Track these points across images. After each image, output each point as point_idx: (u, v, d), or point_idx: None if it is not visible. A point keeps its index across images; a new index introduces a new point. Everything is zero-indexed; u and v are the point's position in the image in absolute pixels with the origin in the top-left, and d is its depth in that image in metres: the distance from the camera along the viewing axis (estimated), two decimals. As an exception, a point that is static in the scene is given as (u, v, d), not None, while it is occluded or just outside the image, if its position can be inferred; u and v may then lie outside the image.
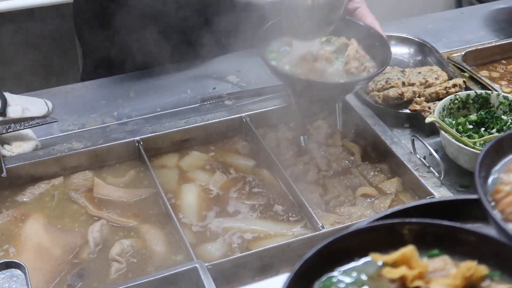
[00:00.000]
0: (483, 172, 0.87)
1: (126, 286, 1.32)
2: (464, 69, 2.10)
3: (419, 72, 2.00)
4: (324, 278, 0.77)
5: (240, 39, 1.97)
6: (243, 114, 1.88)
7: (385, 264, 0.77)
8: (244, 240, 1.57)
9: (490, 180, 0.88)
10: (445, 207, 0.94)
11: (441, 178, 1.67)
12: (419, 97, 1.90)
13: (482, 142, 1.67)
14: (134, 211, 1.65)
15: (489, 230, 0.83)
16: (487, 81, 2.03)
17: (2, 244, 1.55)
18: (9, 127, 1.72)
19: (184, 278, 1.35)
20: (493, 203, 0.84)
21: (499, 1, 2.64)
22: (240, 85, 2.05)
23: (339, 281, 0.77)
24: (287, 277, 0.74)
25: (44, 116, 1.83)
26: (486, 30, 2.41)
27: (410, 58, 2.18)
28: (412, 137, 1.76)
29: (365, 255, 0.79)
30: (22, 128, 1.74)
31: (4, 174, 1.65)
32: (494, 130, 1.73)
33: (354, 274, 0.77)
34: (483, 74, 2.09)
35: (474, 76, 2.06)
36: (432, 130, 1.83)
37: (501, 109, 1.79)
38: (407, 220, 0.80)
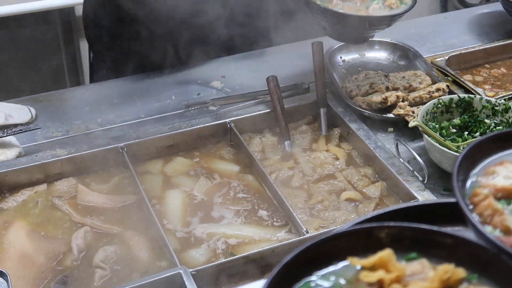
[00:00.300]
0: (462, 176, 0.88)
1: (109, 292, 1.32)
2: (448, 74, 2.11)
3: (403, 77, 2.01)
4: (302, 282, 0.77)
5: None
6: (227, 120, 1.88)
7: (363, 268, 0.77)
8: (228, 245, 1.57)
9: (468, 183, 0.88)
10: (425, 211, 0.95)
11: (425, 182, 1.68)
12: (402, 101, 1.90)
13: (465, 146, 1.68)
14: (118, 217, 1.64)
15: (468, 233, 0.84)
16: (471, 85, 2.04)
17: (-15, 251, 1.54)
18: (-8, 134, 1.72)
19: (168, 284, 1.35)
20: (471, 206, 0.85)
21: (483, 6, 2.66)
22: (225, 91, 2.05)
23: (317, 285, 0.77)
24: (265, 281, 0.74)
25: (27, 123, 1.83)
26: (470, 35, 2.43)
27: (394, 63, 2.19)
28: (396, 142, 1.77)
29: (344, 259, 0.79)
30: (5, 135, 1.73)
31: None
32: (478, 133, 1.74)
33: (332, 278, 0.77)
34: (466, 78, 2.10)
35: (458, 81, 2.07)
36: (416, 134, 1.84)
37: (484, 112, 1.79)
38: (385, 224, 0.80)
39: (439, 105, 1.80)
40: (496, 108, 1.78)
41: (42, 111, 1.94)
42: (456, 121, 1.78)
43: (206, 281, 1.42)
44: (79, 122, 1.91)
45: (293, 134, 1.90)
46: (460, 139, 1.73)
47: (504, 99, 1.90)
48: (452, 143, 1.68)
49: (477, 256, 0.78)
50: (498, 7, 2.52)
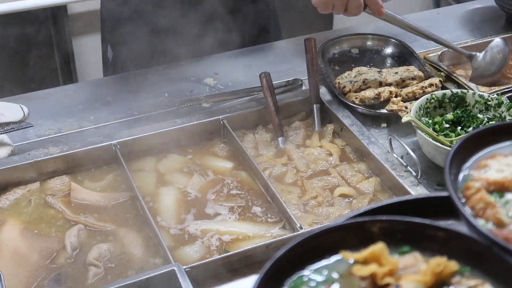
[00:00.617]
0: (454, 169, 0.88)
1: (103, 290, 1.32)
2: (441, 69, 2.12)
3: (396, 72, 2.01)
4: (295, 277, 0.77)
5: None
6: (220, 117, 1.87)
7: (356, 262, 0.77)
8: (222, 242, 1.57)
9: (460, 177, 0.88)
10: (418, 205, 0.95)
11: (419, 177, 1.68)
12: (395, 97, 1.91)
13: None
14: (112, 215, 1.64)
15: (461, 227, 0.84)
16: (463, 80, 2.04)
17: (-22, 250, 1.53)
18: (-16, 133, 1.71)
19: (162, 281, 1.35)
20: (463, 200, 0.85)
21: (475, 1, 2.67)
22: (218, 88, 2.05)
23: (310, 279, 0.76)
24: (258, 276, 0.74)
25: (19, 121, 1.82)
26: (462, 30, 2.43)
27: (387, 58, 2.19)
28: (390, 137, 1.77)
29: (336, 253, 0.79)
30: (-2, 133, 1.73)
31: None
32: (471, 128, 1.74)
33: (325, 272, 0.77)
34: (459, 74, 2.11)
35: (451, 76, 2.08)
36: (409, 130, 1.84)
37: (477, 107, 1.80)
38: (378, 218, 0.80)
39: (432, 100, 1.80)
40: (489, 103, 1.78)
41: (35, 109, 1.94)
42: (449, 116, 1.78)
43: (200, 278, 1.42)
44: (71, 120, 1.91)
45: (287, 130, 1.90)
46: (453, 134, 1.73)
47: (497, 94, 1.90)
48: (445, 138, 1.69)
49: (469, 249, 0.78)
50: (490, 2, 2.53)
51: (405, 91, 1.93)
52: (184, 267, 1.37)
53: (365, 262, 0.76)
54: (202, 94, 2.01)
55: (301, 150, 1.84)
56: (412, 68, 2.04)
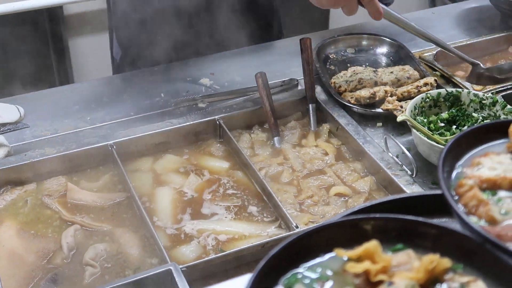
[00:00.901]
0: (447, 167, 0.89)
1: (99, 290, 1.32)
2: (436, 68, 2.12)
3: (391, 72, 2.02)
4: (289, 274, 0.77)
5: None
6: (216, 117, 1.88)
7: (349, 259, 0.78)
8: (218, 241, 1.57)
9: (454, 174, 0.89)
10: (412, 203, 0.96)
11: (414, 176, 1.68)
12: (391, 96, 1.91)
13: (453, 139, 1.68)
14: (108, 215, 1.64)
15: (454, 224, 0.84)
16: (458, 79, 2.05)
17: (-25, 251, 1.53)
18: (-19, 134, 1.71)
19: (159, 281, 1.35)
20: (456, 197, 0.85)
21: (470, 1, 2.67)
22: (214, 88, 2.06)
23: (304, 277, 0.77)
24: (253, 274, 0.75)
25: (16, 122, 1.82)
26: (457, 30, 2.44)
27: (382, 57, 2.20)
28: (385, 136, 1.77)
29: (330, 251, 0.79)
30: (-6, 134, 1.73)
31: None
32: (465, 127, 1.75)
33: (319, 269, 0.78)
34: (454, 73, 2.11)
35: (446, 75, 2.08)
36: (404, 129, 1.85)
37: (472, 106, 1.80)
38: (371, 215, 0.81)
39: (427, 100, 1.80)
40: (484, 101, 1.79)
41: (31, 110, 1.94)
42: (444, 115, 1.79)
43: (197, 277, 1.43)
44: (68, 120, 1.91)
45: (282, 130, 1.91)
46: (448, 133, 1.74)
47: (492, 93, 1.91)
48: (440, 137, 1.69)
49: (462, 246, 0.79)
50: (485, 1, 2.53)
51: (400, 90, 1.93)
52: (181, 266, 1.37)
53: (358, 259, 0.77)
54: (198, 94, 2.01)
55: (297, 150, 1.85)
56: (407, 67, 2.05)
